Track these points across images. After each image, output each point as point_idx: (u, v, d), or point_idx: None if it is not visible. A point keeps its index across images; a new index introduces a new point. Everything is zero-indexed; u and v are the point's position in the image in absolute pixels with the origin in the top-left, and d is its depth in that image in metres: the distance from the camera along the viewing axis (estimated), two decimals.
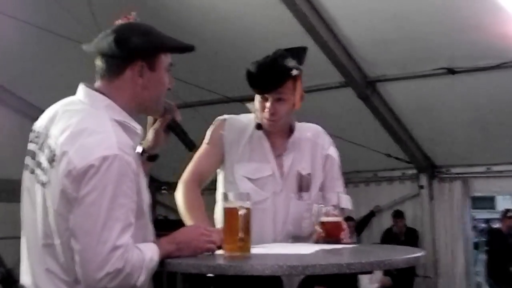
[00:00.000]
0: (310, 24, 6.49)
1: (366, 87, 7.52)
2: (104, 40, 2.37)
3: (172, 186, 10.23)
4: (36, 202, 2.28)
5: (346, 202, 3.30)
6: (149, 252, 2.24)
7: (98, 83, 2.40)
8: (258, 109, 3.19)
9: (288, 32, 6.37)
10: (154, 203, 10.62)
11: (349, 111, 7.73)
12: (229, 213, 2.39)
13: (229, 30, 7.05)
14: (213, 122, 3.32)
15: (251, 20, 6.85)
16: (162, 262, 2.29)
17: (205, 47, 7.22)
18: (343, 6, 6.50)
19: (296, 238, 3.13)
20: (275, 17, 6.65)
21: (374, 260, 2.26)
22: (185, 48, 2.51)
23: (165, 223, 10.06)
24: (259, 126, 3.22)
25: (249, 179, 3.20)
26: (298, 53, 3.20)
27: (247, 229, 2.35)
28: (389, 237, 9.52)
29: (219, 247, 2.46)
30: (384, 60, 7.20)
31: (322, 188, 3.29)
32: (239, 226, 2.33)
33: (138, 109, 2.43)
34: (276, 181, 3.21)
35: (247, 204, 2.38)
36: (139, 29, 2.41)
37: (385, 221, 9.66)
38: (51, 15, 6.98)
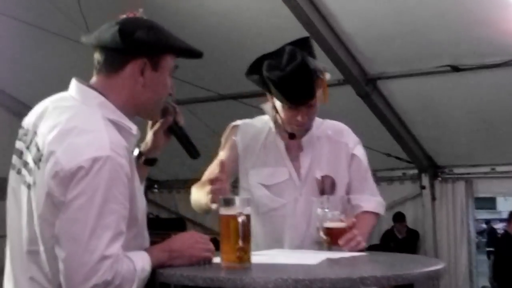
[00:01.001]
0: (308, 18, 6.28)
1: (366, 85, 7.34)
2: (107, 31, 2.23)
3: (164, 185, 10.18)
4: (22, 205, 2.15)
5: (376, 206, 3.09)
6: (140, 262, 2.08)
7: (93, 79, 2.27)
8: (285, 118, 2.96)
9: (284, 27, 6.15)
10: (146, 201, 10.56)
11: (348, 110, 7.40)
12: (227, 220, 2.19)
13: (222, 25, 6.86)
14: (226, 128, 3.17)
15: (245, 14, 6.66)
16: (154, 272, 2.14)
17: (196, 42, 7.08)
18: (342, 0, 6.32)
19: (332, 249, 2.82)
20: (270, 11, 6.47)
21: (391, 274, 2.03)
22: (193, 53, 2.39)
23: (156, 222, 10.10)
24: (292, 136, 3.00)
25: (264, 185, 3.02)
26: (310, 45, 3.00)
27: (247, 238, 2.16)
28: (389, 239, 9.41)
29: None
30: (385, 56, 7.01)
31: (349, 191, 3.07)
32: (238, 234, 2.13)
33: (135, 110, 2.28)
34: (294, 186, 3.01)
35: (247, 210, 2.18)
36: (145, 24, 2.26)
37: (385, 222, 9.46)
38: (39, 11, 6.82)
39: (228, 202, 2.20)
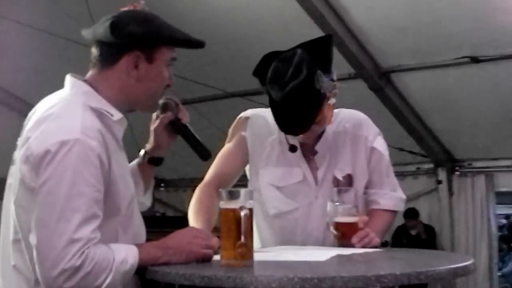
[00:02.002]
0: (317, 11, 6.11)
1: (379, 79, 7.18)
2: (101, 25, 2.21)
3: (170, 183, 10.11)
4: (11, 197, 2.14)
5: (394, 203, 2.90)
6: (123, 254, 1.99)
7: (88, 73, 2.25)
8: None
9: (293, 20, 6.04)
10: (153, 200, 10.54)
11: (360, 104, 7.22)
12: (228, 213, 2.03)
13: (230, 21, 6.72)
14: (236, 120, 2.94)
15: (253, 9, 6.51)
16: (147, 270, 2.04)
17: (203, 39, 6.97)
18: None
19: (343, 245, 2.62)
20: (279, 5, 6.32)
21: (412, 271, 1.82)
22: (191, 43, 2.32)
23: (163, 220, 10.02)
24: (293, 148, 2.77)
25: (276, 187, 2.80)
26: (325, 51, 2.68)
27: (249, 233, 2.00)
28: (401, 235, 9.20)
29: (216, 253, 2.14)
30: (398, 48, 6.83)
31: (368, 187, 2.86)
32: (239, 229, 1.98)
33: (128, 103, 2.25)
34: (309, 188, 2.79)
35: (250, 203, 2.02)
36: (140, 17, 2.23)
37: (397, 218, 9.20)
38: (49, 17, 6.83)
39: (230, 195, 2.04)
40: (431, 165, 8.90)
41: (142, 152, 2.47)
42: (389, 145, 7.77)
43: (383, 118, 7.56)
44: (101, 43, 2.21)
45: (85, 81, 2.21)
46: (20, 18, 6.63)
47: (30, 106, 2.31)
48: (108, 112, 2.14)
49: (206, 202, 2.69)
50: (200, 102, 7.85)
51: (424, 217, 9.23)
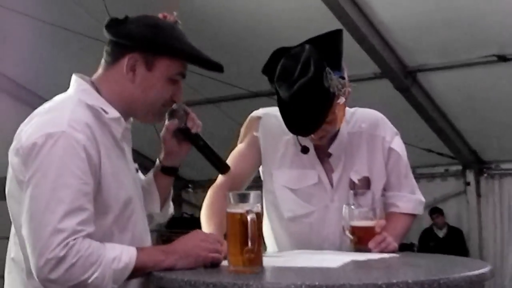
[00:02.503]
0: (341, 8, 6.03)
1: (405, 78, 7.09)
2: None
3: (197, 184, 10.11)
4: None
5: (414, 206, 2.77)
6: (117, 251, 1.96)
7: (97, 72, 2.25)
8: None
9: (316, 18, 5.94)
10: (180, 201, 10.91)
11: (386, 104, 7.11)
12: (234, 218, 1.93)
13: (252, 19, 6.67)
14: (247, 119, 2.84)
15: (275, 7, 6.45)
16: (152, 276, 1.98)
17: (225, 37, 6.99)
18: None
19: (359, 250, 2.52)
20: (301, 2, 6.26)
21: (426, 279, 1.73)
22: (201, 62, 2.24)
23: (191, 221, 9.96)
24: (305, 150, 2.66)
25: (290, 189, 2.70)
26: (334, 46, 2.57)
27: (257, 238, 1.89)
28: (428, 238, 9.14)
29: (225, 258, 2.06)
30: (425, 47, 6.74)
31: (386, 189, 2.75)
32: (246, 234, 1.88)
33: (125, 107, 2.20)
34: (325, 191, 2.68)
35: (257, 207, 1.92)
36: (151, 21, 2.21)
37: (425, 221, 9.20)
38: (66, 13, 6.78)
39: (237, 198, 1.95)
40: (459, 167, 8.86)
41: (157, 161, 2.42)
42: (416, 147, 7.77)
43: (410, 119, 7.51)
44: (108, 41, 2.20)
45: (90, 80, 2.20)
46: (34, 12, 6.61)
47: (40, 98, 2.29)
48: (102, 110, 2.11)
49: (218, 205, 2.58)
50: (224, 101, 7.80)
51: (452, 220, 9.15)
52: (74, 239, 1.88)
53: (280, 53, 2.58)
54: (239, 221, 1.90)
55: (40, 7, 6.66)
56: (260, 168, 2.82)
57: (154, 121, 2.31)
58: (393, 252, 2.41)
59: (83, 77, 2.20)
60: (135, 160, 2.32)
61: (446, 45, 6.60)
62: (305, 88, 2.42)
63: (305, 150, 2.65)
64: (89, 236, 1.93)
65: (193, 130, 2.30)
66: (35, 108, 2.16)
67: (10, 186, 2.07)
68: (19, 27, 7.01)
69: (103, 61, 2.21)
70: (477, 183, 8.80)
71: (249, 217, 1.87)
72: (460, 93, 7.35)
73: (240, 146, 2.82)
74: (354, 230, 2.47)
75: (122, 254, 1.95)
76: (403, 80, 7.06)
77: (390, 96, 7.19)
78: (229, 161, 2.73)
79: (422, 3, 6.07)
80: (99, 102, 2.13)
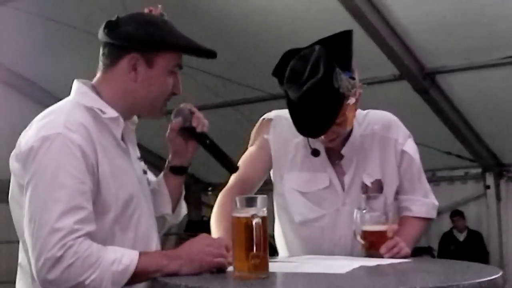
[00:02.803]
0: (360, 10, 6.01)
1: (424, 80, 7.04)
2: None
3: (217, 187, 10.05)
4: None
5: (427, 210, 2.72)
6: (118, 254, 1.94)
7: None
8: None
9: (335, 20, 5.89)
10: (199, 204, 11.01)
11: (405, 106, 7.10)
12: (239, 223, 1.89)
13: (272, 21, 6.64)
14: (258, 122, 2.79)
15: (294, 9, 6.43)
16: (156, 281, 1.95)
17: (245, 40, 6.97)
18: None
19: (370, 255, 2.46)
20: (320, 4, 6.24)
21: (433, 286, 1.69)
22: (196, 50, 2.24)
23: (210, 225, 9.96)
24: (315, 153, 2.61)
25: (301, 192, 2.65)
26: (345, 47, 2.52)
27: (263, 243, 1.85)
28: (448, 241, 9.08)
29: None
30: (443, 49, 6.70)
31: (399, 192, 2.69)
32: (251, 239, 1.84)
33: (129, 107, 2.22)
34: (336, 194, 2.63)
35: (263, 211, 1.87)
36: (142, 19, 2.22)
37: (445, 224, 9.17)
38: (84, 14, 6.77)
39: (243, 202, 1.91)
40: (479, 170, 8.79)
41: (167, 162, 2.41)
42: (436, 149, 7.72)
43: (430, 121, 7.48)
44: (104, 44, 2.21)
45: (91, 84, 2.22)
46: (48, 13, 6.66)
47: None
48: (100, 110, 2.12)
49: (227, 209, 2.46)
50: (243, 104, 7.77)
51: (472, 223, 9.08)
52: (74, 239, 1.88)
53: (290, 55, 2.53)
54: (244, 226, 1.86)
55: (59, 10, 6.70)
56: (271, 171, 2.78)
57: (158, 115, 2.29)
58: (405, 257, 2.35)
59: (84, 82, 2.22)
60: (150, 161, 2.30)
61: (465, 47, 6.55)
62: (315, 88, 2.38)
63: (315, 153, 2.61)
64: (89, 235, 1.92)
65: (199, 129, 2.28)
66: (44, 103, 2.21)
67: (12, 192, 2.09)
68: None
69: (100, 64, 2.22)
70: (497, 186, 8.74)
71: (254, 222, 1.83)
72: (479, 95, 7.30)
73: (250, 149, 2.77)
74: (365, 234, 2.42)
75: (122, 257, 1.93)
76: (422, 82, 7.02)
77: (409, 98, 7.16)
78: (240, 164, 2.70)
79: (440, 5, 6.03)
80: (98, 103, 2.14)
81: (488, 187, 8.71)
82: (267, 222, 1.89)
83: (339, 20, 5.89)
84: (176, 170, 2.37)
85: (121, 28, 2.16)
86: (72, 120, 2.04)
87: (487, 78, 6.94)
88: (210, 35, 7.17)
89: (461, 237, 9.10)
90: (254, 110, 7.81)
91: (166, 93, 2.21)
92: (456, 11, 6.04)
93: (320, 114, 2.42)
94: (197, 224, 9.59)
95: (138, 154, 2.33)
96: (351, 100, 2.44)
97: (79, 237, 1.89)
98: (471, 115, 7.69)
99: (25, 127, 2.14)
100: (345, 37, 2.54)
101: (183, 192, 2.45)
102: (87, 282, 1.88)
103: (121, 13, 2.24)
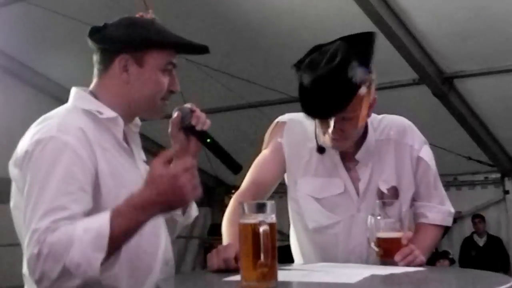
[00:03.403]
0: (379, 15, 5.99)
1: (443, 84, 6.99)
2: None
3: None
4: None
5: (443, 217, 2.67)
6: (86, 223, 1.89)
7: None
8: (319, 124, 2.53)
9: (355, 24, 5.85)
10: (223, 207, 10.51)
11: (424, 110, 7.18)
12: (246, 230, 1.83)
13: (290, 24, 6.62)
14: (272, 125, 2.76)
15: (313, 12, 6.41)
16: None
17: (266, 42, 6.96)
18: None
19: (385, 263, 2.40)
20: (339, 8, 6.22)
21: None
22: (183, 46, 2.25)
23: None
24: (320, 149, 2.59)
25: (315, 198, 2.60)
26: (366, 46, 2.49)
27: (271, 251, 1.79)
28: (468, 247, 9.03)
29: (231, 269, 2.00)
30: (461, 54, 6.65)
31: (414, 199, 2.65)
32: (259, 247, 1.77)
33: (128, 108, 2.24)
34: (351, 200, 2.59)
35: (272, 218, 1.82)
36: (126, 22, 2.25)
37: (467, 228, 9.13)
38: (103, 12, 6.69)
39: (251, 208, 1.85)
40: (498, 175, 8.74)
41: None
42: (456, 154, 7.65)
43: (449, 126, 7.42)
44: (96, 51, 2.24)
45: (89, 90, 2.24)
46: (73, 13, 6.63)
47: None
48: (97, 111, 2.15)
49: (238, 214, 2.50)
50: (265, 105, 7.76)
51: (492, 228, 9.01)
52: (44, 234, 1.87)
53: (315, 50, 2.52)
54: (251, 233, 1.80)
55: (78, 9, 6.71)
56: (285, 175, 2.75)
57: (157, 115, 2.28)
58: (420, 265, 2.30)
59: (82, 89, 2.24)
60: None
61: (483, 52, 6.49)
62: (328, 74, 2.35)
63: (321, 150, 2.59)
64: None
65: (198, 127, 2.26)
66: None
67: (15, 198, 2.10)
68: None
69: (95, 70, 2.24)
70: None
71: (261, 229, 1.77)
72: (497, 100, 7.24)
73: (264, 153, 2.73)
74: (379, 241, 2.36)
75: (92, 223, 1.89)
76: (440, 86, 6.98)
77: (429, 102, 7.12)
78: (253, 168, 2.66)
79: (459, 11, 5.99)
80: (95, 105, 2.17)
81: (507, 192, 8.65)
82: (276, 229, 1.83)
83: (360, 24, 5.81)
84: None
85: (106, 31, 2.20)
86: (66, 123, 2.05)
87: (505, 83, 6.89)
88: (231, 37, 7.20)
89: (481, 242, 9.03)
90: (275, 111, 7.81)
91: (161, 92, 2.21)
92: (473, 18, 6.00)
93: (331, 98, 2.38)
94: (221, 227, 9.55)
95: (144, 157, 2.33)
96: (363, 90, 2.39)
97: (51, 231, 1.87)
98: (489, 120, 7.63)
99: (29, 118, 2.16)
100: (368, 37, 2.52)
101: None
102: (68, 261, 1.83)
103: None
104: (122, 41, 2.18)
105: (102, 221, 1.89)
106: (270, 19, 6.58)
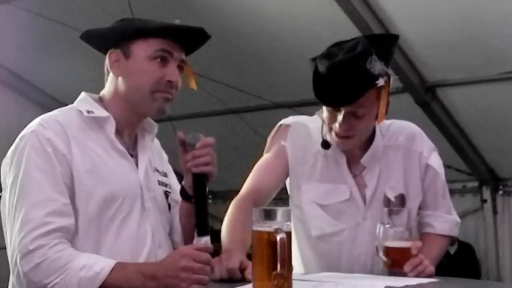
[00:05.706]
0: (365, 24, 5.95)
1: (425, 93, 6.99)
2: None
3: (218, 195, 10.06)
4: None
5: (450, 228, 2.68)
6: (90, 260, 1.89)
7: None
8: (326, 119, 2.50)
9: (340, 33, 5.83)
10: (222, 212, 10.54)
11: (407, 119, 7.10)
12: (261, 238, 1.75)
13: (278, 31, 6.57)
14: (275, 127, 2.72)
15: (301, 20, 6.37)
16: None
17: (251, 48, 6.94)
18: (401, 5, 5.97)
19: (393, 273, 2.37)
20: (326, 16, 6.18)
21: None
22: (170, 31, 2.23)
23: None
24: (325, 145, 2.56)
25: (319, 205, 2.57)
26: (387, 46, 2.49)
27: (287, 261, 1.72)
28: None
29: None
30: (444, 63, 6.64)
31: (421, 207, 2.63)
32: (275, 256, 1.69)
33: (125, 107, 2.29)
34: (357, 207, 2.57)
35: (288, 226, 1.75)
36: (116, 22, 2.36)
37: None
38: (90, 17, 6.64)
39: (264, 215, 1.77)
40: (476, 183, 8.71)
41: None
42: None
43: (431, 134, 7.37)
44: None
45: (99, 96, 2.35)
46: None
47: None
48: (87, 111, 2.22)
49: (241, 220, 2.42)
50: (246, 112, 7.74)
51: (470, 237, 9.02)
52: (49, 239, 1.89)
53: (333, 46, 2.52)
54: (266, 241, 1.72)
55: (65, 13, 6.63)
56: (287, 181, 2.71)
57: (156, 111, 2.27)
58: (430, 276, 2.27)
59: (89, 94, 2.34)
60: None
61: (466, 61, 6.48)
62: (347, 61, 2.33)
63: (326, 145, 2.54)
64: (64, 230, 1.92)
65: (194, 170, 2.23)
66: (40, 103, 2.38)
67: (4, 198, 2.15)
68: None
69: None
70: (493, 200, 8.63)
71: (278, 237, 1.68)
72: (479, 109, 7.23)
73: (266, 156, 2.68)
74: (388, 251, 2.34)
75: (95, 264, 1.89)
76: (423, 95, 6.96)
77: (412, 111, 7.02)
78: (254, 171, 2.63)
79: (442, 21, 6.00)
80: (90, 106, 2.26)
81: (485, 201, 8.62)
82: (291, 237, 1.77)
83: (346, 33, 5.81)
84: (185, 195, 2.33)
85: (91, 31, 2.29)
86: (47, 119, 2.15)
87: (486, 93, 6.88)
88: (216, 45, 7.11)
89: (452, 250, 9.06)
90: (255, 117, 7.80)
91: (151, 80, 2.22)
92: (458, 27, 6.00)
93: (347, 85, 2.35)
94: (220, 234, 9.47)
95: (157, 166, 2.30)
96: (380, 82, 2.38)
97: (50, 232, 1.89)
98: (470, 129, 7.62)
99: (22, 128, 2.17)
100: (391, 38, 2.53)
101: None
102: (50, 285, 1.85)
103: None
104: (108, 36, 2.26)
105: (104, 266, 1.91)
106: (254, 25, 6.52)
